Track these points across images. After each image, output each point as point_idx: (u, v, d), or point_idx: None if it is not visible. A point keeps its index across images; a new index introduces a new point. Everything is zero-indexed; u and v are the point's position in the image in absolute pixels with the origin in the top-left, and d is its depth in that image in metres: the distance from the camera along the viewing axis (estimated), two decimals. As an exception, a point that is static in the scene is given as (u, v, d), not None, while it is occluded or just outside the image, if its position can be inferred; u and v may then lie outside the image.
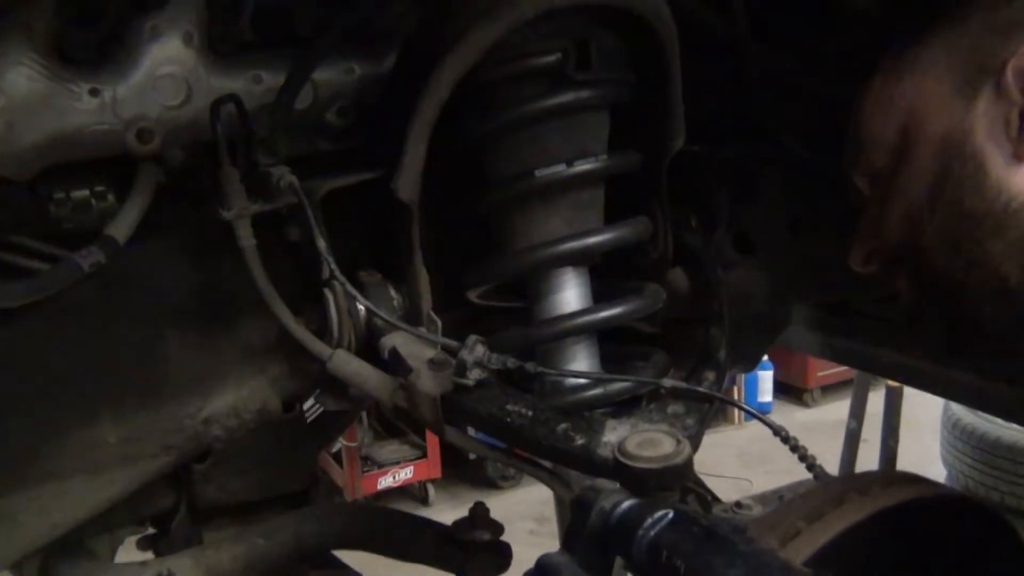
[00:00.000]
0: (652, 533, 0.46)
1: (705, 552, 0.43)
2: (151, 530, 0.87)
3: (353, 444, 3.41)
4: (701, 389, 0.70)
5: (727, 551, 0.43)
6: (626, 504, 0.48)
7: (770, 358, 4.19)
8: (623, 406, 0.72)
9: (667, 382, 0.67)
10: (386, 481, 3.51)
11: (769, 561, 0.43)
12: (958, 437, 2.75)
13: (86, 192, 0.77)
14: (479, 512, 0.85)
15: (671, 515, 0.47)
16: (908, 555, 0.57)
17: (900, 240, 0.70)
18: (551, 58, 0.71)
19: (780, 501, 0.64)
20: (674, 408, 0.68)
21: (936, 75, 0.64)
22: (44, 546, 0.74)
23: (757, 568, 0.42)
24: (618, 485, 0.55)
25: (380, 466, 3.51)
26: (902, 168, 0.69)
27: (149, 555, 0.85)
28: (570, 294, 0.76)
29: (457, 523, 0.85)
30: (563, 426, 0.62)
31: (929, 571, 0.57)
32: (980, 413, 2.61)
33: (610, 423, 0.62)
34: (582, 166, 0.73)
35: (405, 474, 3.54)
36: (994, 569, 0.62)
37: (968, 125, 0.63)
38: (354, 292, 0.67)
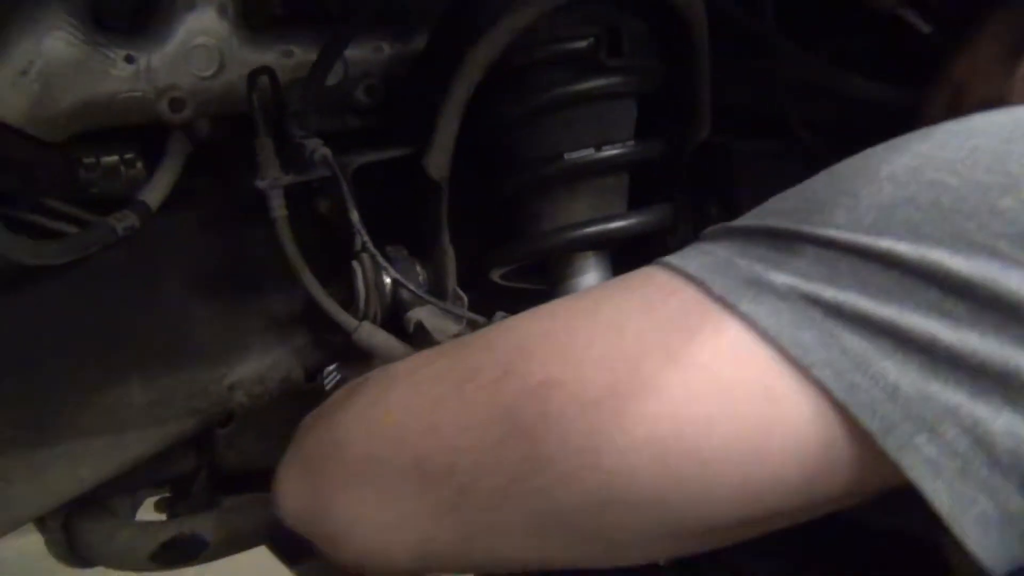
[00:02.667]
0: None
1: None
2: (168, 494, 0.88)
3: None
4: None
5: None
6: None
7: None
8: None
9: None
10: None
11: None
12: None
13: (115, 159, 0.78)
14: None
15: None
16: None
17: None
18: (583, 44, 0.72)
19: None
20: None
21: (984, 49, 0.65)
22: (70, 500, 0.75)
23: None
24: None
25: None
26: None
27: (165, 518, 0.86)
28: (591, 278, 0.77)
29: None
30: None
31: None
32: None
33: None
34: (609, 151, 0.75)
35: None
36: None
37: (1006, 89, 0.63)
38: (385, 263, 0.68)
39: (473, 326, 0.68)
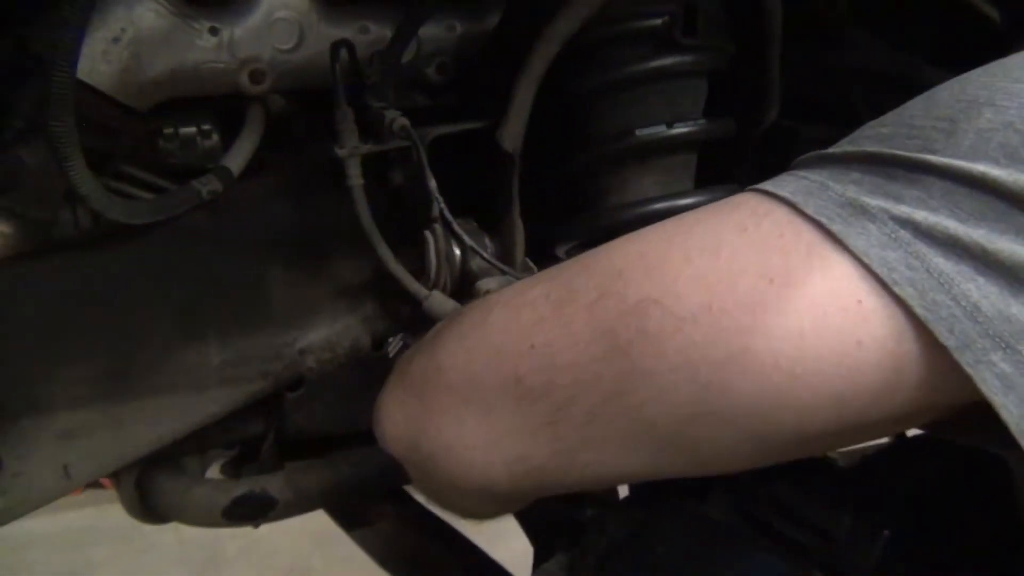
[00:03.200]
0: None
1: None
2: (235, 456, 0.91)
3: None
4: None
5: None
6: None
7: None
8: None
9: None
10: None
11: None
12: None
13: (193, 129, 0.79)
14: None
15: None
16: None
17: None
18: (658, 21, 0.73)
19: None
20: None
21: None
22: (147, 454, 0.77)
23: None
24: None
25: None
26: None
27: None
28: (658, 254, 0.78)
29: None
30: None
31: None
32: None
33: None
34: (681, 128, 0.76)
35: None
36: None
37: None
38: (460, 231, 0.70)
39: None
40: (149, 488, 0.82)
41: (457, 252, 0.76)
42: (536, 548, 0.81)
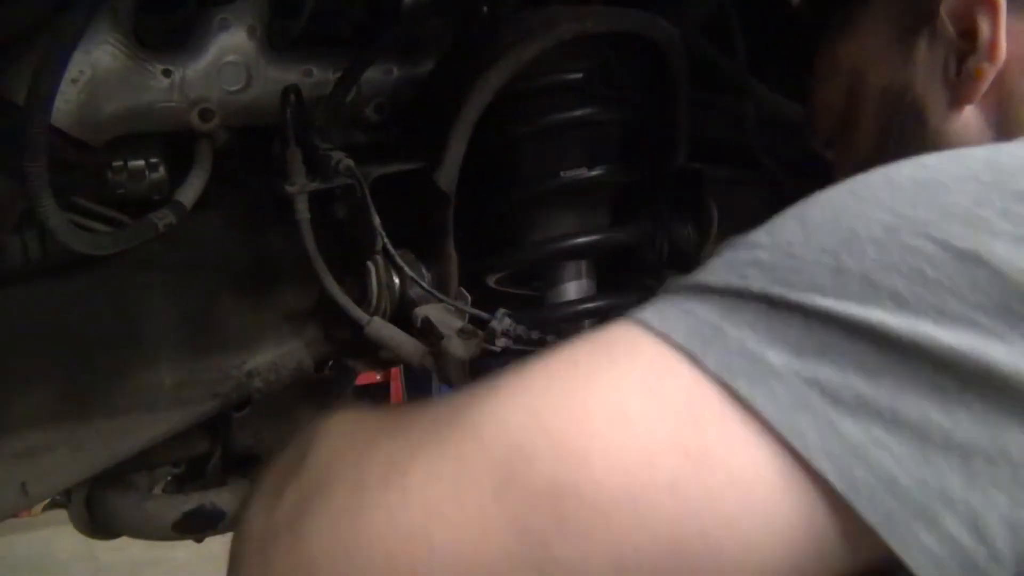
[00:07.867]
0: None
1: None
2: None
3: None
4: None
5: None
6: None
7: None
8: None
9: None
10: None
11: None
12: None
13: (141, 163, 0.84)
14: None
15: None
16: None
17: None
18: (579, 75, 0.82)
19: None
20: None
21: (874, 31, 0.64)
22: (102, 472, 0.81)
23: None
24: None
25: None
26: (851, 130, 0.69)
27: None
28: (579, 284, 0.86)
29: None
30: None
31: None
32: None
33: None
34: (599, 171, 0.84)
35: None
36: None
37: (907, 75, 0.62)
38: (401, 263, 0.76)
39: (476, 322, 0.76)
40: (100, 504, 0.86)
41: (397, 281, 0.82)
42: None
